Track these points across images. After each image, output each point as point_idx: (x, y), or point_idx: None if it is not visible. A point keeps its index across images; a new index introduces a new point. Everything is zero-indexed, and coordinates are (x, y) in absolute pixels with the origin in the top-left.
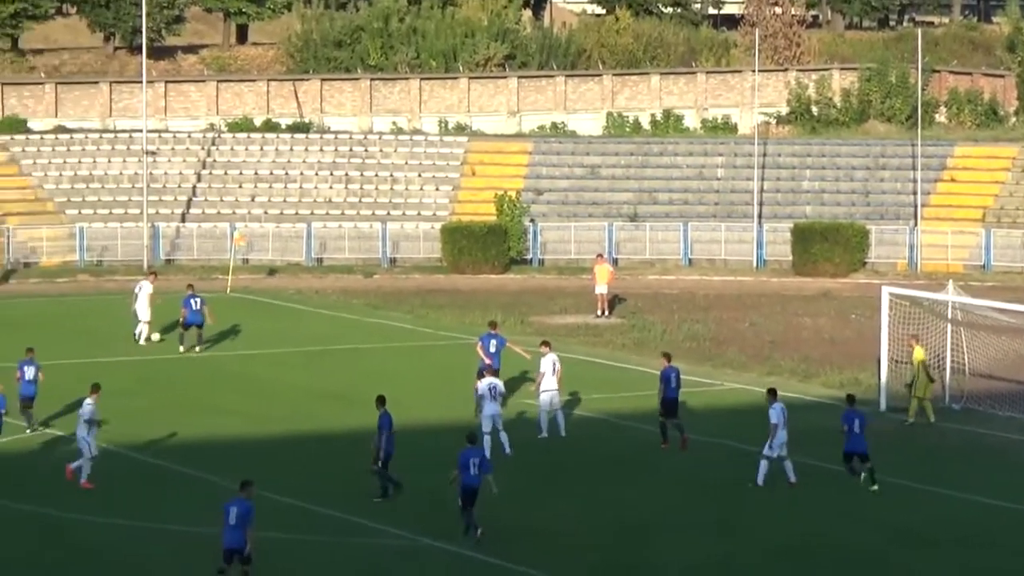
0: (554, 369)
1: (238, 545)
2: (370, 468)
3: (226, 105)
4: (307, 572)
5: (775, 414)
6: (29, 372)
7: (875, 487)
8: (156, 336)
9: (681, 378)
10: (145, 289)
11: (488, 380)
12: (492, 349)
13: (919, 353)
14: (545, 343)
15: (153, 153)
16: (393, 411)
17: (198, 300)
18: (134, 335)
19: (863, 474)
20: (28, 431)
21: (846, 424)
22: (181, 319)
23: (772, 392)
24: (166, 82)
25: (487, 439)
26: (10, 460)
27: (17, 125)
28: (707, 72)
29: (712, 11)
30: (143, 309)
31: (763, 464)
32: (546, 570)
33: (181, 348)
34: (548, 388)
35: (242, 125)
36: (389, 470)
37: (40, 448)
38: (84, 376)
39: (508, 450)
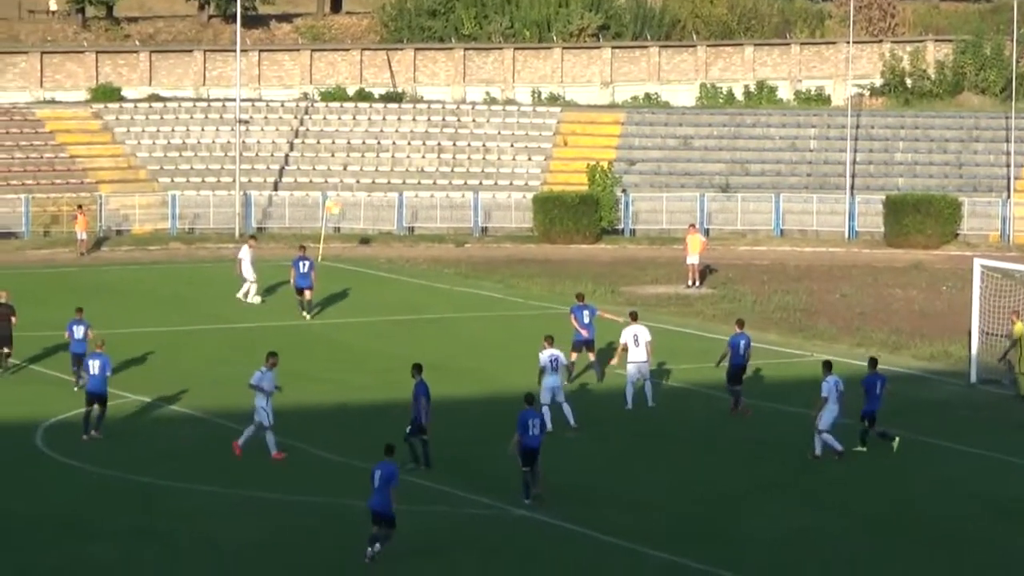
0: (636, 341)
1: (381, 508)
2: (406, 437)
3: (319, 74)
4: (398, 541)
5: (826, 387)
6: (78, 332)
7: (863, 448)
8: (258, 299)
9: (751, 346)
10: (242, 254)
11: (549, 352)
12: (586, 320)
13: (1020, 327)
14: (632, 314)
15: (246, 122)
16: (481, 381)
17: (307, 263)
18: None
19: (866, 436)
20: (76, 388)
21: (866, 387)
22: (292, 282)
23: (827, 365)
24: (260, 51)
25: (545, 410)
26: (104, 430)
27: (111, 93)
28: (801, 43)
29: None
30: (246, 270)
31: (825, 438)
32: (632, 539)
33: (306, 315)
34: (635, 360)
35: (335, 94)
36: (426, 439)
37: (129, 415)
38: (174, 343)
39: (572, 422)
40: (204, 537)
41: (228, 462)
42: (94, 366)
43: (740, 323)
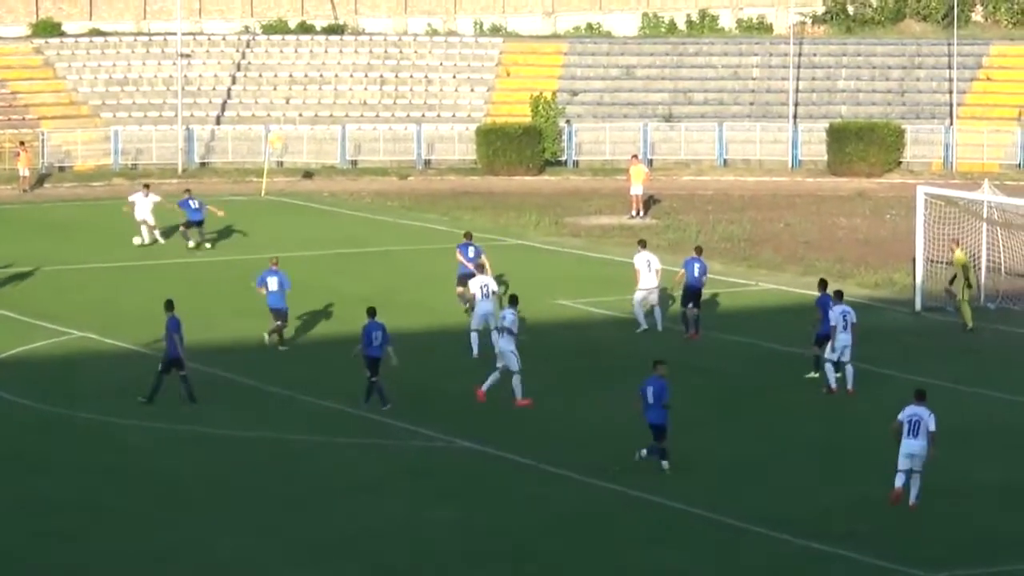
0: (649, 266)
1: (659, 421)
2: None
3: (261, 7)
4: (342, 473)
5: (834, 316)
6: (272, 283)
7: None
8: (139, 240)
9: (707, 273)
10: (134, 197)
11: (480, 279)
12: (470, 255)
13: (960, 256)
14: (641, 242)
15: (188, 56)
16: (426, 313)
17: (196, 201)
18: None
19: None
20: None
21: (822, 310)
22: (182, 218)
23: (838, 294)
24: None
25: (474, 336)
26: (49, 366)
27: (52, 28)
28: None
29: None
30: (140, 213)
31: (829, 368)
32: (572, 468)
33: (190, 243)
34: (646, 286)
35: (277, 27)
36: (166, 371)
37: (74, 352)
38: (118, 280)
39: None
40: (156, 472)
41: (175, 398)
42: (272, 282)
43: (698, 250)
